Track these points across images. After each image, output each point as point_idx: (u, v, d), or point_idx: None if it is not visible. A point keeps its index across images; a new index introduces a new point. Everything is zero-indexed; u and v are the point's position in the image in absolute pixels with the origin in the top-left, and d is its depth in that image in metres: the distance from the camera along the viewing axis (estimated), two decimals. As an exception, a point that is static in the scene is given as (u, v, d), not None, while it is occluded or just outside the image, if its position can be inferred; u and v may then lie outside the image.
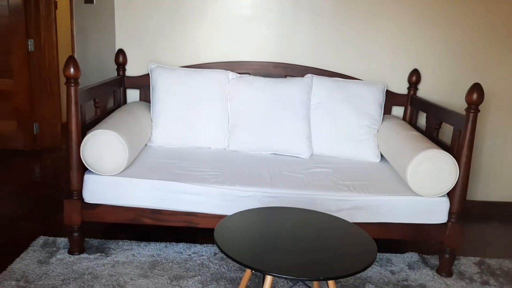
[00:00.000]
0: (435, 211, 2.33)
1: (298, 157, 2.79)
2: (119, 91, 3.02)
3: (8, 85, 4.06)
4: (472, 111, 2.25)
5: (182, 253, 2.45)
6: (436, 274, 2.40)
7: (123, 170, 2.31)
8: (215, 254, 2.45)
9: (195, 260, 2.38)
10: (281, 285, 2.20)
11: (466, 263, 2.54)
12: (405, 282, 2.31)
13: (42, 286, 2.07)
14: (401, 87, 3.11)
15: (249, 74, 3.02)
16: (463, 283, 2.34)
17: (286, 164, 2.64)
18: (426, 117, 2.87)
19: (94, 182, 2.29)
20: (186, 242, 2.55)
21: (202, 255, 2.43)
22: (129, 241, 2.52)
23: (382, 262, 2.48)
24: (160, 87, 2.83)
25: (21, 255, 2.32)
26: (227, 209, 2.24)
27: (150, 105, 2.89)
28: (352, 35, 3.07)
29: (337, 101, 2.86)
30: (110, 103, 3.04)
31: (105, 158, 2.25)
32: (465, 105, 2.28)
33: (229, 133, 2.86)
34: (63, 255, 2.35)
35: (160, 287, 2.12)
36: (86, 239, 2.48)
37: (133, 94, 3.11)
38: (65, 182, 2.35)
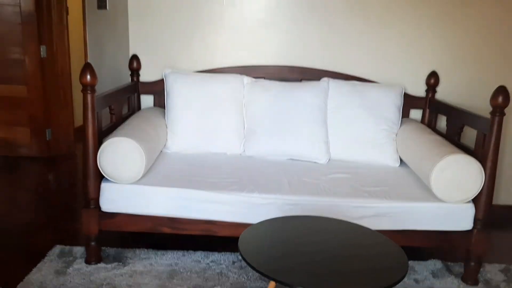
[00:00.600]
0: (460, 217, 2.26)
1: (315, 162, 2.74)
2: (133, 97, 2.99)
3: (21, 91, 4.05)
4: (497, 114, 2.19)
5: (200, 262, 2.40)
6: (461, 282, 2.34)
7: (140, 178, 2.28)
8: (234, 262, 2.40)
9: (214, 269, 2.34)
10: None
11: (492, 271, 2.47)
12: (430, 291, 2.25)
13: (60, 298, 2.05)
14: (419, 90, 3.05)
15: (264, 78, 2.98)
16: (489, 291, 2.28)
17: (304, 170, 2.59)
18: (447, 120, 2.80)
19: (112, 191, 2.26)
20: (203, 250, 2.50)
21: (221, 264, 2.39)
22: (146, 250, 2.49)
23: (405, 270, 2.42)
24: (175, 92, 2.79)
25: (38, 265, 2.29)
26: (247, 216, 2.20)
27: (164, 111, 2.86)
28: (368, 37, 3.02)
29: (354, 104, 2.81)
30: (125, 109, 3.01)
31: (123, 166, 2.22)
32: (486, 107, 2.22)
33: (244, 138, 2.82)
34: (80, 264, 2.32)
35: (180, 298, 2.08)
36: (103, 248, 2.44)
37: (147, 100, 3.08)
38: (80, 190, 2.32)
